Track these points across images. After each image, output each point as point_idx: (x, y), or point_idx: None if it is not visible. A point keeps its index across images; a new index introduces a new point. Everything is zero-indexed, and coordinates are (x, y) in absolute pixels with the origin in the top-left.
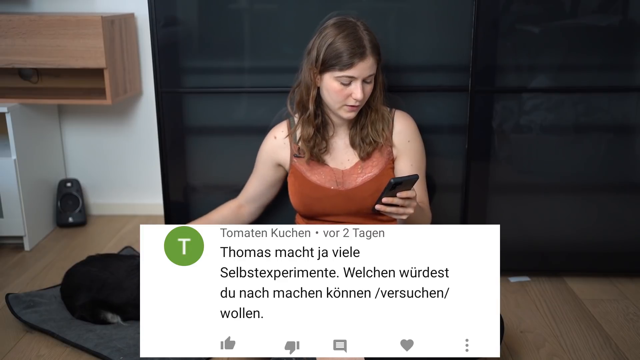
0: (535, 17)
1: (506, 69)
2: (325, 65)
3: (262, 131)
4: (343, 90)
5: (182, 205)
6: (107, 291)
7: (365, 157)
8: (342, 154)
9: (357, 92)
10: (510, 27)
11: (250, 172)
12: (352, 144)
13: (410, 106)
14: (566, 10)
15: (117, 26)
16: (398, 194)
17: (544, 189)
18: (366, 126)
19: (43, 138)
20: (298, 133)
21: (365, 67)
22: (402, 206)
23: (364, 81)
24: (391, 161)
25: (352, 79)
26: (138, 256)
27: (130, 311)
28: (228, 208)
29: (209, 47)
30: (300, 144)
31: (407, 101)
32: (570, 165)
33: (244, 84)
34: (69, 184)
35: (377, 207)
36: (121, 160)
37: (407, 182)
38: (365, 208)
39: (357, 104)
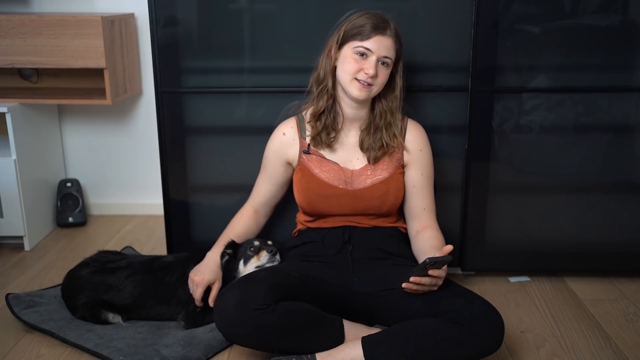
0: (535, 17)
1: (506, 69)
2: (347, 36)
3: (262, 131)
4: (357, 62)
5: (182, 205)
6: (112, 292)
7: (373, 161)
8: (352, 152)
9: (370, 66)
10: (510, 27)
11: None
12: (362, 147)
13: (410, 106)
14: (566, 10)
15: (117, 26)
16: (430, 272)
17: (544, 189)
18: (380, 129)
19: (43, 138)
20: (307, 128)
21: (384, 43)
22: (429, 284)
23: (380, 62)
24: (401, 166)
25: (368, 52)
26: (138, 255)
27: (135, 311)
28: (247, 216)
29: (209, 47)
30: (309, 126)
31: (407, 101)
32: (570, 165)
33: (244, 84)
34: (69, 184)
35: (404, 286)
36: (121, 160)
37: (440, 262)
38: (371, 209)
39: (368, 81)
